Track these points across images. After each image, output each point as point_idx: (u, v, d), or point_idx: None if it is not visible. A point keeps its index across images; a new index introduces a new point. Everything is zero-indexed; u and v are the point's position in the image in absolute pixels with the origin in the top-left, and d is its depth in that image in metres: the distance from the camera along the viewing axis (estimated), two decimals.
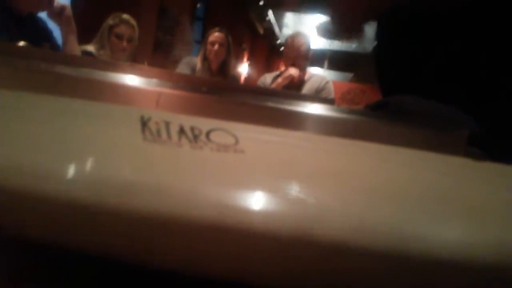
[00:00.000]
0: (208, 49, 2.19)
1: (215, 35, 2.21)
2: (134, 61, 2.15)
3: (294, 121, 0.51)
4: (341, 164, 0.24)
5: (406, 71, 0.64)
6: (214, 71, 2.21)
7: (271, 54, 5.79)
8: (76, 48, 1.56)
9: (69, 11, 1.49)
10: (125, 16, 2.05)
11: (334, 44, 5.04)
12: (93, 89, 0.53)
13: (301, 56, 2.17)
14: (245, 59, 6.19)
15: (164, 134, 0.24)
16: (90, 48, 1.99)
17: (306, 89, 2.18)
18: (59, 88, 0.53)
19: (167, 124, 0.25)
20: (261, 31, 5.77)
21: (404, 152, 0.25)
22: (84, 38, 2.04)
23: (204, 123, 0.26)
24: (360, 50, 5.19)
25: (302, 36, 2.24)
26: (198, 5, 4.73)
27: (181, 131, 0.25)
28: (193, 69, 2.20)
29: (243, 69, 6.07)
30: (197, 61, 2.23)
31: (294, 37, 2.23)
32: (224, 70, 2.22)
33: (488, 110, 0.54)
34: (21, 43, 0.85)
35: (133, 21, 2.05)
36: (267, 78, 2.28)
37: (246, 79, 5.88)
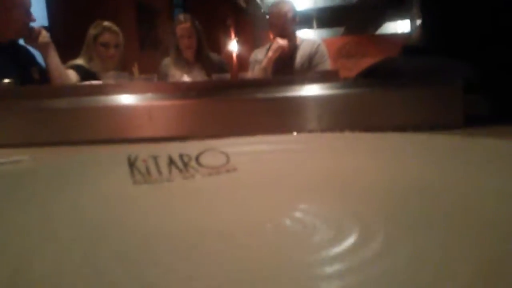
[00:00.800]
0: (179, 42, 2.12)
1: (181, 27, 2.12)
2: (124, 65, 2.14)
3: (292, 109, 0.50)
4: (338, 166, 0.23)
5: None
6: (191, 61, 2.15)
7: (258, 27, 5.69)
8: (59, 66, 1.55)
9: (45, 34, 1.48)
10: (107, 23, 2.02)
11: (319, 1, 4.92)
12: (82, 118, 0.53)
13: (288, 23, 2.11)
14: (232, 35, 6.09)
15: (153, 171, 0.24)
16: (79, 61, 1.98)
17: (299, 56, 2.14)
18: (52, 124, 0.54)
19: (155, 159, 0.25)
20: (244, 4, 5.65)
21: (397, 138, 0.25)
22: (71, 51, 2.03)
23: (192, 147, 0.26)
24: (346, 2, 5.06)
25: (286, 2, 2.18)
26: None
27: (171, 162, 0.25)
28: (175, 67, 2.16)
29: (232, 46, 5.99)
30: (171, 56, 2.17)
31: (277, 5, 2.17)
32: (201, 56, 2.16)
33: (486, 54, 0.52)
34: (6, 81, 0.85)
35: (115, 27, 2.03)
36: (258, 54, 2.23)
37: (238, 56, 5.80)
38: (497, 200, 0.19)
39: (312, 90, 0.51)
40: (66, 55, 1.99)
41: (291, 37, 2.11)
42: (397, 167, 0.22)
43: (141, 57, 3.26)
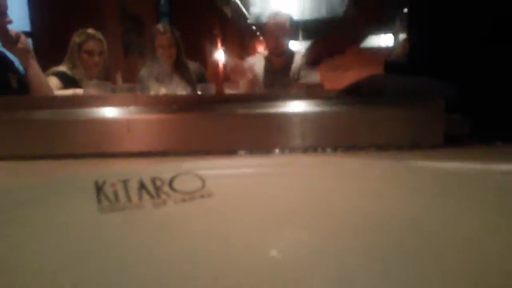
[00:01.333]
0: (157, 52, 2.07)
1: (162, 38, 2.06)
2: (107, 73, 2.10)
3: (274, 126, 0.49)
4: (318, 191, 0.22)
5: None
6: (169, 71, 2.10)
7: (244, 36, 5.73)
8: (39, 73, 1.50)
9: (24, 40, 1.43)
10: (91, 31, 1.99)
11: (305, 13, 4.97)
12: (60, 130, 0.51)
13: (284, 34, 2.13)
14: (219, 45, 6.09)
15: (122, 197, 0.22)
16: (62, 68, 1.94)
17: (292, 67, 2.15)
18: (29, 137, 0.51)
19: (125, 183, 0.23)
20: (229, 14, 5.66)
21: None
22: (53, 57, 1.99)
23: (166, 170, 0.25)
24: (331, 15, 5.12)
25: (283, 14, 2.21)
26: (162, 1, 4.62)
27: (141, 186, 0.24)
28: (153, 78, 2.11)
29: (219, 55, 5.99)
30: (149, 67, 2.10)
31: (275, 15, 2.19)
32: (179, 66, 2.12)
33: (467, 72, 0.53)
34: None
35: (99, 35, 2.00)
36: (249, 62, 2.24)
37: (224, 66, 5.80)
38: (479, 230, 0.18)
39: (295, 106, 0.50)
40: (49, 62, 1.95)
41: (285, 48, 2.14)
42: (377, 196, 0.21)
43: (125, 65, 3.23)
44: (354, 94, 0.54)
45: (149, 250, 0.19)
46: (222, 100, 0.53)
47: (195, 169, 0.25)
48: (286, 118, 0.50)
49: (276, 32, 2.11)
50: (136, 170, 0.25)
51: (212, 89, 1.75)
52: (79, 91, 1.73)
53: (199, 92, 1.70)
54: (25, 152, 0.50)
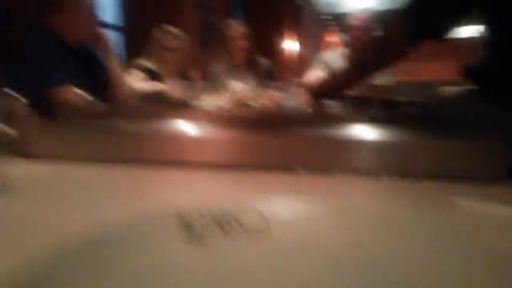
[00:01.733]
0: (230, 45, 2.15)
1: (233, 29, 2.14)
2: (185, 69, 2.18)
3: (331, 148, 0.53)
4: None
5: None
6: (240, 66, 2.17)
7: (315, 26, 5.64)
8: (119, 72, 1.59)
9: (105, 37, 1.52)
10: (171, 28, 2.06)
11: (383, 2, 4.77)
12: (144, 140, 0.59)
13: (368, 28, 2.10)
14: (290, 36, 6.06)
15: (201, 231, 0.28)
16: (146, 63, 2.02)
17: None
18: (117, 144, 0.60)
19: (203, 218, 0.29)
20: (302, 5, 5.61)
21: None
22: (137, 51, 2.11)
23: (236, 208, 0.30)
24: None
25: (367, 8, 2.20)
26: None
27: (214, 221, 0.29)
28: (225, 73, 2.17)
29: (291, 46, 5.95)
30: (221, 61, 2.18)
31: (359, 9, 2.18)
32: (250, 61, 2.18)
33: None
34: (79, 92, 0.93)
35: (180, 33, 2.07)
36: (325, 56, 2.24)
37: (299, 57, 5.77)
38: None
39: (358, 131, 0.53)
40: (133, 55, 2.08)
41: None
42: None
43: (201, 61, 3.36)
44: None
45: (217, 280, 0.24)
46: (291, 120, 0.57)
47: (262, 209, 0.30)
48: (348, 141, 0.53)
49: (360, 26, 2.08)
50: (212, 206, 0.30)
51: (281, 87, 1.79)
52: (159, 85, 1.84)
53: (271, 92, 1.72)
54: (112, 157, 0.59)
